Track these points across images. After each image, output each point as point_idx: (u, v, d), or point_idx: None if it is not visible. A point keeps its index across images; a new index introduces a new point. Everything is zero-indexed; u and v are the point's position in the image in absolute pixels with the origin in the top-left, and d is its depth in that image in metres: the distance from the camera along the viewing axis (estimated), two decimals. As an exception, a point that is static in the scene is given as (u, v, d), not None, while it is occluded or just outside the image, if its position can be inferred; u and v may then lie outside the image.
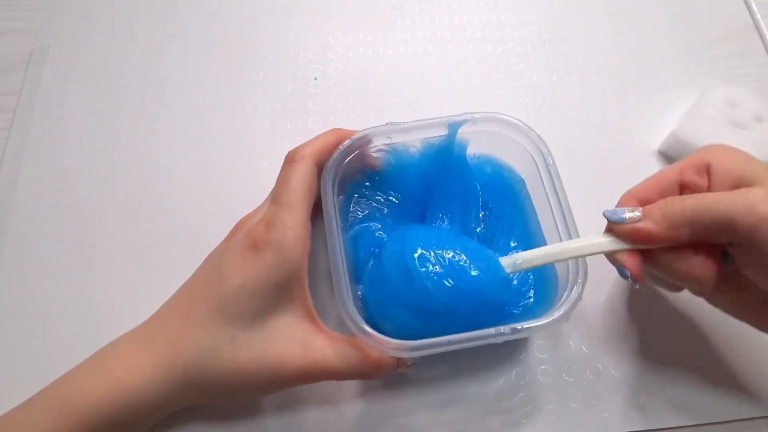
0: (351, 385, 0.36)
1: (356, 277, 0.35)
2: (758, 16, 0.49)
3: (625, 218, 0.29)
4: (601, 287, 0.39)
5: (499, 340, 0.30)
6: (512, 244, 0.37)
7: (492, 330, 0.30)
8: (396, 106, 0.46)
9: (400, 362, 0.32)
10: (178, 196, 0.42)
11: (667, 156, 0.43)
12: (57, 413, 0.29)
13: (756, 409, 0.35)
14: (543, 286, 0.35)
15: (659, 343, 0.37)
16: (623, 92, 0.46)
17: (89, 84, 0.47)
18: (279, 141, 0.44)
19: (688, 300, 0.34)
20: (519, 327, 0.30)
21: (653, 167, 0.43)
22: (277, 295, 0.30)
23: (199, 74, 0.47)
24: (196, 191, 0.42)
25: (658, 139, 0.44)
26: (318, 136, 0.35)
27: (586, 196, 0.36)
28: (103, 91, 0.47)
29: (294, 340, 0.30)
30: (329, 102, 0.46)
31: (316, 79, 0.47)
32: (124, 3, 0.51)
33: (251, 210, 0.35)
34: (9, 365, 0.37)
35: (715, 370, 0.36)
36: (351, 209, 0.37)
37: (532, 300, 0.35)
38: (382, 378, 0.36)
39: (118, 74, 0.47)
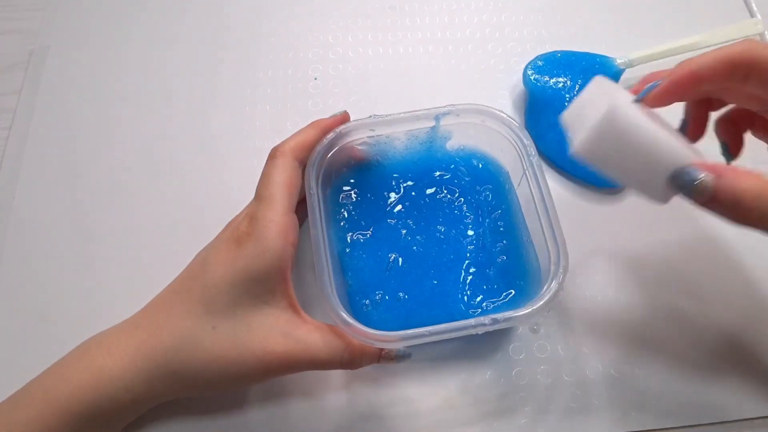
0: (333, 378, 0.36)
1: (341, 268, 0.36)
2: (758, 16, 0.50)
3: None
4: (601, 285, 0.39)
5: (480, 331, 0.30)
6: (498, 245, 0.37)
7: (472, 321, 0.30)
8: (396, 105, 0.46)
9: (383, 354, 0.32)
10: (178, 195, 0.42)
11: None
12: (40, 402, 0.29)
13: (756, 409, 0.35)
14: (524, 280, 0.35)
15: (659, 343, 0.37)
16: (623, 92, 0.46)
17: (89, 84, 0.47)
18: (279, 141, 0.44)
19: (686, 298, 0.34)
20: (499, 318, 0.30)
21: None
22: (258, 286, 0.30)
23: (199, 74, 0.47)
24: (196, 191, 0.43)
25: (658, 139, 0.44)
26: (299, 131, 0.35)
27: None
28: (103, 90, 0.47)
29: (275, 328, 0.30)
30: (329, 102, 0.46)
31: (316, 79, 0.47)
32: (124, 3, 0.51)
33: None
34: (9, 364, 0.37)
35: (714, 370, 0.36)
36: (337, 202, 0.38)
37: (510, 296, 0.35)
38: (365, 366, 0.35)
39: (117, 74, 0.47)
